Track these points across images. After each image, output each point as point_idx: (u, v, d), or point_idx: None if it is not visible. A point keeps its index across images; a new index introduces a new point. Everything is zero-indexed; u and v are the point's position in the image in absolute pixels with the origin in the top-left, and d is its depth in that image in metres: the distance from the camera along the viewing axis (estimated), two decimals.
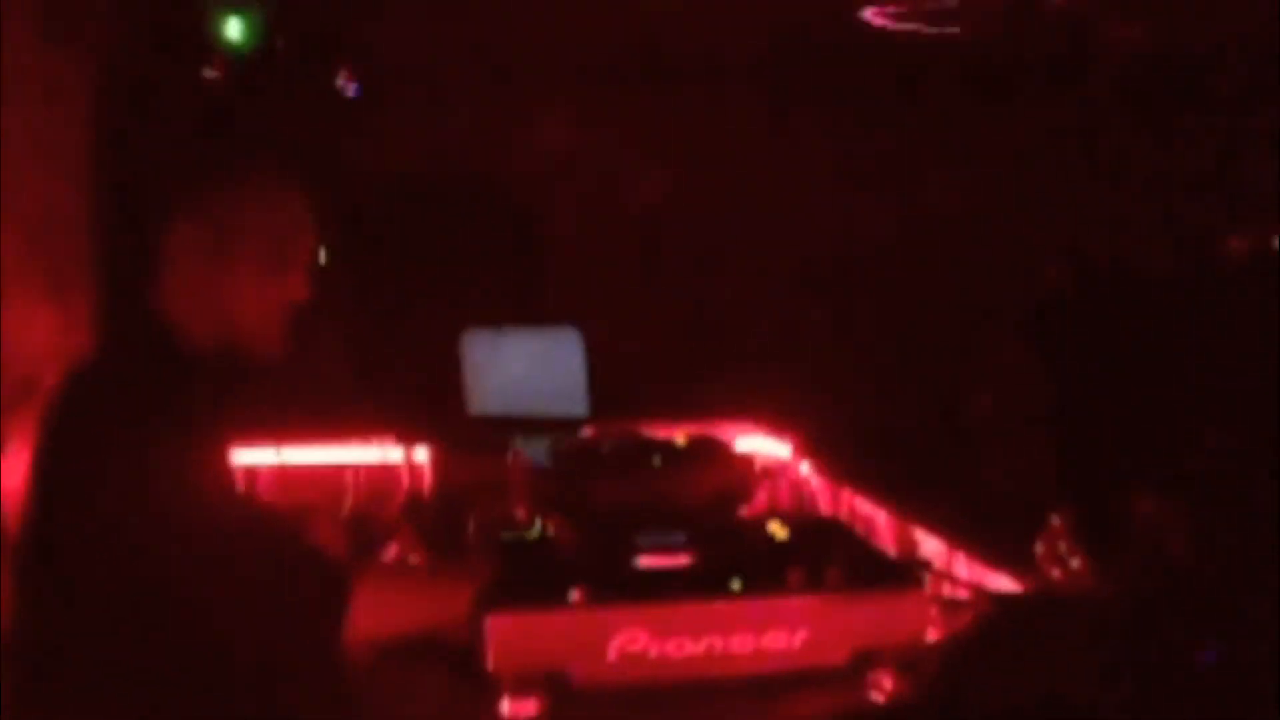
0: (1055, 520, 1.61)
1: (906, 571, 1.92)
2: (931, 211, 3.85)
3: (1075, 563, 1.52)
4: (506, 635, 1.76)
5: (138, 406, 1.86)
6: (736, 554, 1.96)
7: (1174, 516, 1.41)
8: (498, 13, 4.00)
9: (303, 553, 2.03)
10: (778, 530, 2.14)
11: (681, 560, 1.93)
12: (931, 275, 3.69)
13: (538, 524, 2.14)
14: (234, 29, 3.75)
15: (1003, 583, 2.06)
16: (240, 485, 1.98)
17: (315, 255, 2.13)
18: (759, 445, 3.48)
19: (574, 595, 1.78)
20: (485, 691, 1.77)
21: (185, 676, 1.81)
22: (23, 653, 1.91)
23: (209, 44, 3.78)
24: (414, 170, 4.18)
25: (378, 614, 1.87)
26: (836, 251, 4.01)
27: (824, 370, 3.78)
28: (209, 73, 3.88)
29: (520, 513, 2.72)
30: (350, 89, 4.30)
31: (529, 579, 1.87)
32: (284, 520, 2.31)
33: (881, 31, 4.00)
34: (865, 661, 1.81)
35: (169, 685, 1.81)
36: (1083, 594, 1.48)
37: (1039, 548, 1.64)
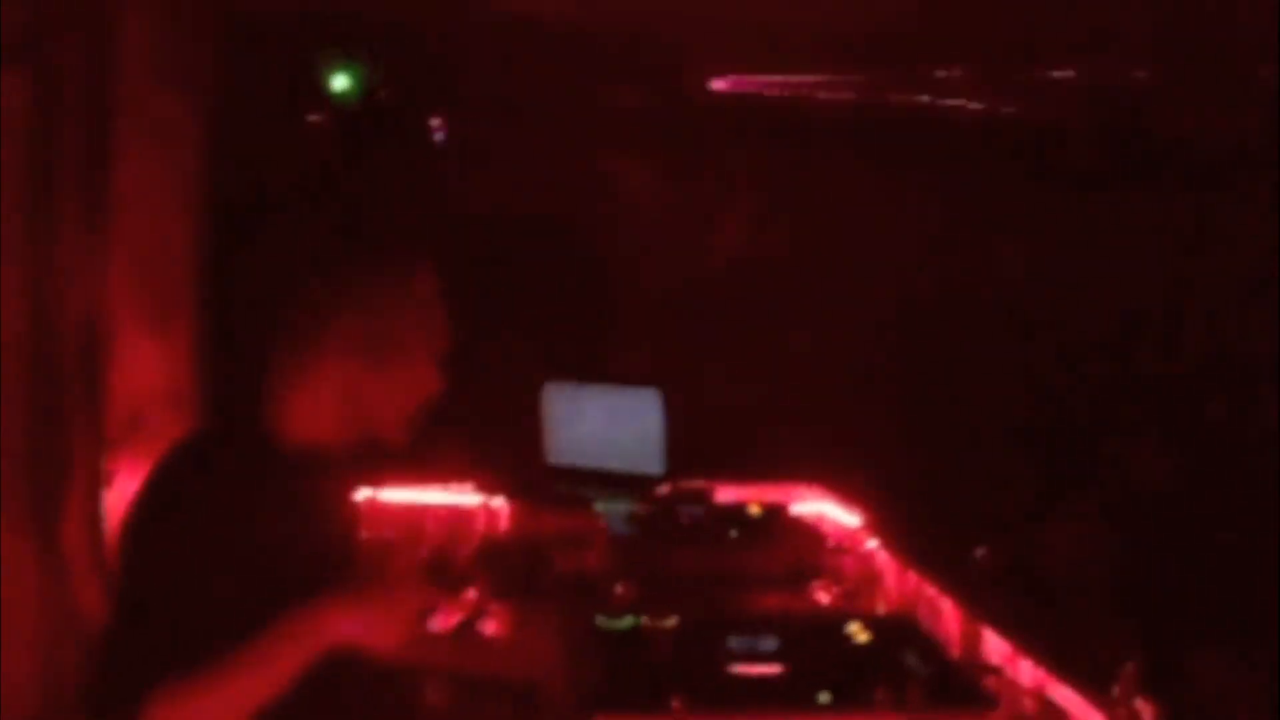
0: (1130, 667, 1.73)
1: (980, 692, 2.04)
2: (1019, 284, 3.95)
3: (1146, 716, 1.63)
4: None
5: (223, 490, 1.91)
6: (822, 662, 2.09)
7: (1245, 682, 1.52)
8: (587, 65, 4.14)
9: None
10: (858, 633, 2.27)
11: (772, 669, 2.06)
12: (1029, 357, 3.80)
13: (630, 617, 2.27)
14: (340, 81, 3.91)
15: (1068, 700, 2.17)
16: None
17: (448, 343, 2.05)
18: (828, 511, 3.60)
19: (675, 702, 1.92)
20: None
21: None
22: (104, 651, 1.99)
23: (316, 94, 3.94)
24: (500, 217, 4.32)
25: None
26: (926, 317, 4.11)
27: (899, 441, 3.89)
28: (314, 118, 4.05)
29: (608, 586, 2.86)
30: (440, 134, 4.47)
31: (630, 680, 2.01)
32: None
33: (973, 102, 4.12)
34: None
35: None
36: None
37: (1114, 691, 1.76)
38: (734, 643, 2.10)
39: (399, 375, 1.99)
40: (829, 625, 2.33)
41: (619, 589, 2.84)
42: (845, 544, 3.32)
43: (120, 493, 3.36)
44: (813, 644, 2.12)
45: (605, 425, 3.82)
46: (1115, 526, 2.91)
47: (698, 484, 3.60)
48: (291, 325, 2.02)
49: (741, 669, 2.01)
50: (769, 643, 2.10)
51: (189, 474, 1.95)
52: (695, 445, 3.84)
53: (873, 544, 3.30)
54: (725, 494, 3.56)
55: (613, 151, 4.46)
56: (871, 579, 3.16)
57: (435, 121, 4.42)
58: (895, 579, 3.11)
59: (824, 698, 1.92)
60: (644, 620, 2.21)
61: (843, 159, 4.36)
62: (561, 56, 4.14)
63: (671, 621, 2.19)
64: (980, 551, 3.04)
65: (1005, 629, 2.50)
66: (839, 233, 4.34)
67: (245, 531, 1.88)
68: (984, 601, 2.66)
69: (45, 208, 3.05)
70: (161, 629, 1.83)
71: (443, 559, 3.55)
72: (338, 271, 2.00)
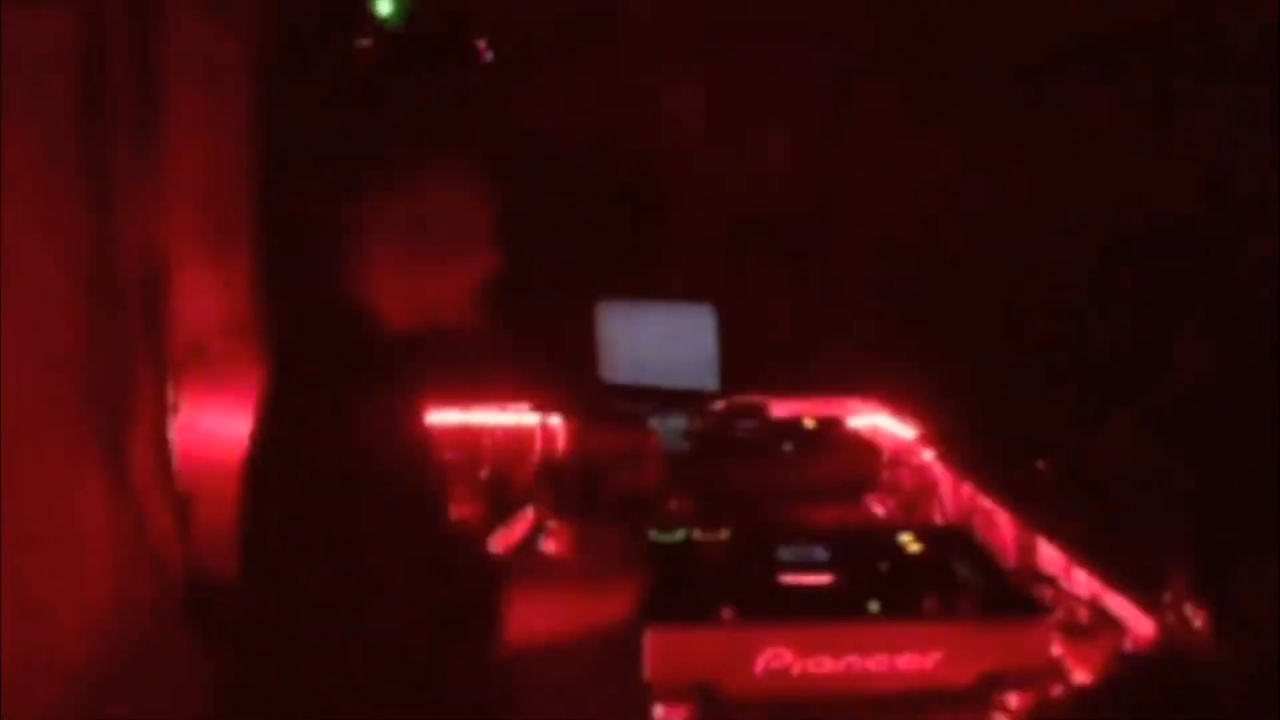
0: (1181, 574, 1.73)
1: (1032, 600, 2.05)
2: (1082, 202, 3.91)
3: (1197, 621, 1.63)
4: (663, 647, 1.93)
5: (336, 378, 1.94)
6: (873, 572, 2.11)
7: None
8: None
9: (467, 549, 2.19)
10: (910, 544, 2.28)
11: (823, 579, 2.08)
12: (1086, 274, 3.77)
13: (682, 530, 2.30)
14: (384, 4, 3.90)
15: (1122, 608, 2.17)
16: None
17: (499, 226, 2.09)
18: (884, 424, 3.61)
19: (725, 613, 1.94)
20: (639, 697, 1.94)
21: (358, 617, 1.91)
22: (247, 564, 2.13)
23: (360, 17, 3.94)
24: (550, 138, 4.31)
25: (536, 619, 1.96)
26: (978, 227, 4.07)
27: (957, 352, 3.88)
28: (361, 42, 4.06)
29: (663, 502, 2.90)
30: (487, 55, 4.45)
31: (681, 591, 2.04)
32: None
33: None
34: (992, 684, 1.96)
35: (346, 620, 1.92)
36: (1201, 655, 1.60)
37: (1164, 597, 1.76)
38: (785, 554, 2.12)
39: (451, 258, 2.04)
40: (881, 536, 2.35)
41: (673, 504, 2.88)
42: (900, 456, 3.32)
43: (187, 420, 3.43)
44: (864, 555, 2.13)
45: (660, 343, 3.83)
46: (1171, 432, 2.89)
47: (752, 399, 3.62)
48: (344, 218, 2.06)
49: (792, 579, 2.04)
50: (820, 553, 2.12)
51: (318, 378, 1.97)
52: (751, 360, 3.85)
53: (928, 456, 3.30)
54: (780, 408, 3.56)
55: (662, 70, 4.42)
56: (927, 491, 3.17)
57: (482, 43, 4.39)
58: (950, 491, 3.11)
59: (874, 606, 1.94)
60: (695, 533, 2.24)
61: (886, 78, 4.29)
62: None
63: (723, 534, 2.22)
64: (1041, 463, 3.04)
65: (1061, 539, 2.50)
66: (889, 147, 4.29)
67: (381, 425, 1.91)
68: (1041, 511, 2.66)
69: (98, 143, 3.09)
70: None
71: (501, 479, 3.60)
72: (380, 160, 2.05)
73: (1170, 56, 3.93)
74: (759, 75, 4.40)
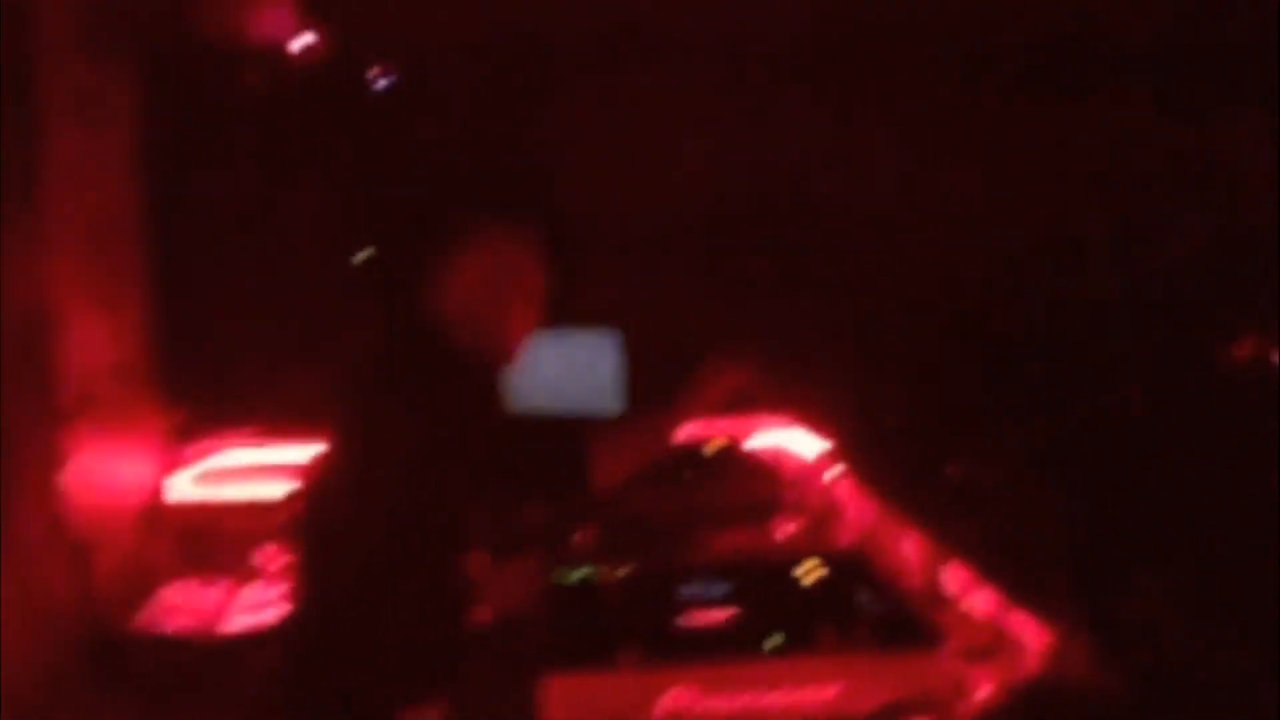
0: (1067, 589, 1.74)
1: (930, 627, 2.06)
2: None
3: (1083, 636, 1.64)
4: (564, 694, 1.91)
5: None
6: (772, 606, 2.10)
7: (1173, 603, 1.53)
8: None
9: None
10: (810, 573, 2.28)
11: (722, 616, 2.07)
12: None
13: (583, 570, 2.28)
14: (276, 36, 3.84)
15: (1021, 626, 2.19)
16: None
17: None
18: (790, 443, 3.60)
19: (625, 656, 1.93)
20: None
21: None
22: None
23: (251, 51, 3.87)
24: (447, 167, 4.27)
25: None
26: (884, 237, 4.07)
27: (868, 367, 3.88)
28: (250, 78, 4.00)
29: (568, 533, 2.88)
30: (382, 82, 4.41)
31: (582, 634, 2.02)
32: None
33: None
34: (893, 713, 1.96)
35: None
36: (1085, 679, 1.61)
37: (1054, 613, 1.77)
38: (684, 591, 2.11)
39: (518, 307, 2.16)
40: (781, 566, 2.34)
41: (578, 536, 2.85)
42: (806, 475, 3.31)
43: (80, 470, 3.34)
44: (764, 587, 2.13)
45: (563, 369, 3.80)
46: (1064, 452, 2.93)
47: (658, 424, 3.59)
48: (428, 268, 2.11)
49: (692, 618, 2.02)
50: (719, 589, 2.11)
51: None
52: (657, 383, 3.82)
53: (834, 473, 3.29)
54: (687, 430, 3.54)
55: (554, 88, 4.39)
56: (832, 511, 3.16)
57: (376, 70, 4.35)
58: (856, 510, 3.11)
59: (772, 642, 1.93)
60: (596, 571, 2.22)
61: (791, 86, 4.30)
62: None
63: (623, 572, 2.20)
64: (951, 468, 3.05)
65: (963, 556, 2.52)
66: (791, 158, 4.30)
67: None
68: (945, 527, 2.68)
69: None
70: None
71: None
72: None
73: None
74: (651, 94, 4.38)
